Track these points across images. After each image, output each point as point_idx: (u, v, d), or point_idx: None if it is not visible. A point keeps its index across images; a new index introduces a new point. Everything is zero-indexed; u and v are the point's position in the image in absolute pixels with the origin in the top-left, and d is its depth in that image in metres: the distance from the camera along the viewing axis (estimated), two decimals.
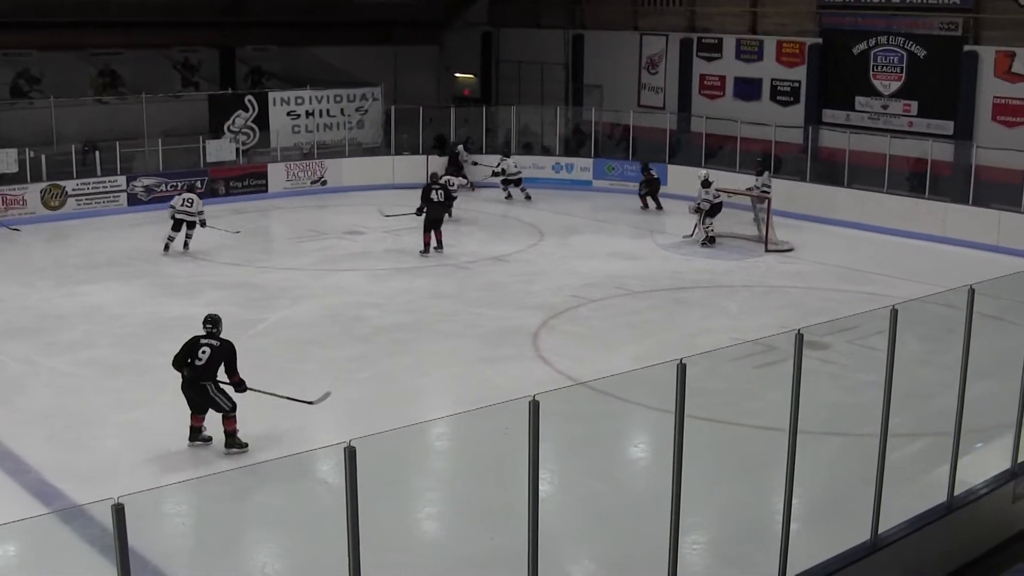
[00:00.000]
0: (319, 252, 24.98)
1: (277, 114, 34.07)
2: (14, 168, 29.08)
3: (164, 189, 30.37)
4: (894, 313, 9.58)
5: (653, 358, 14.14)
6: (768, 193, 26.31)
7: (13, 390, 15.90)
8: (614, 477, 13.31)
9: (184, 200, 24.98)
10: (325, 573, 9.32)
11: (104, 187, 29.69)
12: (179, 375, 13.62)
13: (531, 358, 17.35)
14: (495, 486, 12.15)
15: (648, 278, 22.47)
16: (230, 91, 35.03)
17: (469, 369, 16.91)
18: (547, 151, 35.60)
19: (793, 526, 9.26)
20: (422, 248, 24.53)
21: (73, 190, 29.36)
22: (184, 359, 13.59)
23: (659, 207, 30.12)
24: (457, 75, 42.22)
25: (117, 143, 30.46)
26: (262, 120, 33.81)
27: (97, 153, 30.04)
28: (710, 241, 25.35)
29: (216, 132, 32.93)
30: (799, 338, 8.98)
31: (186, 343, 13.74)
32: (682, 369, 8.18)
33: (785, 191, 28.14)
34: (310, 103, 34.71)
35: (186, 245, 24.94)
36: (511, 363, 17.09)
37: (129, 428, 14.31)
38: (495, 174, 31.93)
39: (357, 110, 35.52)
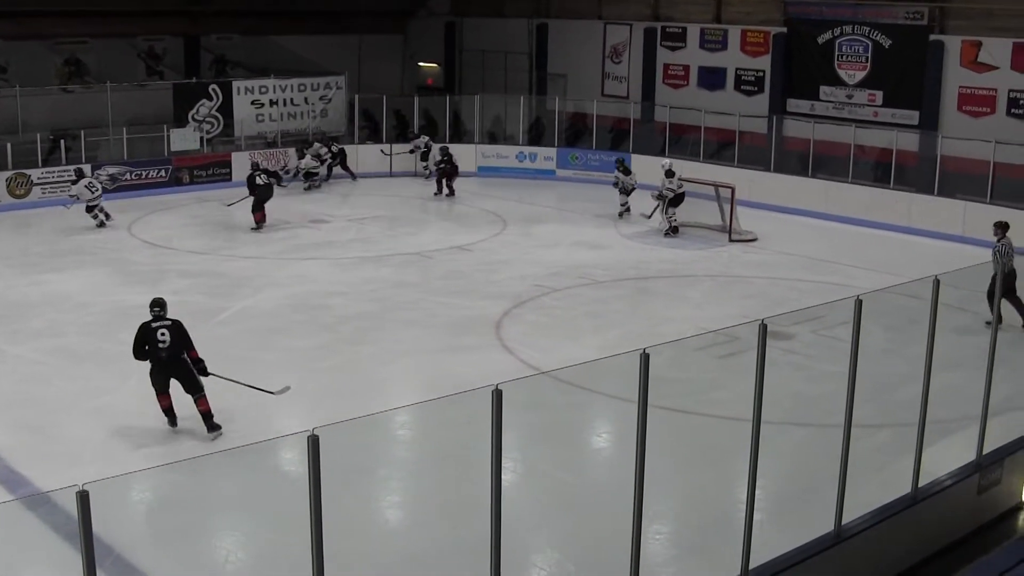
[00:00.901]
0: (282, 241, 24.96)
1: (241, 103, 33.97)
2: None
3: (129, 178, 30.30)
4: (858, 303, 9.64)
5: (616, 347, 14.29)
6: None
7: None
8: (577, 466, 13.38)
9: (90, 186, 26.20)
10: (288, 561, 9.34)
11: (69, 175, 29.49)
12: (145, 363, 13.65)
13: (494, 347, 17.39)
14: (458, 475, 12.20)
15: (612, 267, 22.55)
16: (194, 80, 34.91)
17: (432, 358, 16.93)
18: (511, 140, 35.61)
19: (756, 516, 9.31)
20: (254, 225, 26.27)
21: (39, 179, 29.24)
22: (142, 347, 13.65)
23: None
24: (421, 64, 42.18)
25: (82, 132, 30.38)
26: (226, 109, 33.71)
27: (63, 142, 29.89)
28: (673, 231, 25.43)
29: (180, 121, 32.81)
30: (763, 328, 9.03)
31: (139, 331, 13.77)
32: (645, 359, 8.21)
33: (749, 180, 28.25)
34: (274, 92, 34.63)
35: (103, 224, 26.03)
36: (474, 352, 17.12)
37: (95, 415, 14.28)
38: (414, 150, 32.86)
39: (321, 99, 35.46)
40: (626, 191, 27.52)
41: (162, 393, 13.72)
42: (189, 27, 37.33)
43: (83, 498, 6.19)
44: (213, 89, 33.73)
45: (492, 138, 35.89)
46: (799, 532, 10.14)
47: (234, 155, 32.40)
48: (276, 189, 27.30)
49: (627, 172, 27.69)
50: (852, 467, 10.04)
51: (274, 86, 34.62)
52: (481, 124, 35.69)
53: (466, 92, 38.01)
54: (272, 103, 34.52)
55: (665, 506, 11.57)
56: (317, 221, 27.08)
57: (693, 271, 22.60)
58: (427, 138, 33.55)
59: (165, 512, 11.81)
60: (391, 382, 16.21)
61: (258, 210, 26.41)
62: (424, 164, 32.69)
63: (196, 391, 13.70)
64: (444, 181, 30.50)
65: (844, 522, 10.12)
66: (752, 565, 9.32)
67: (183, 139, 32.06)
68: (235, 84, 34.26)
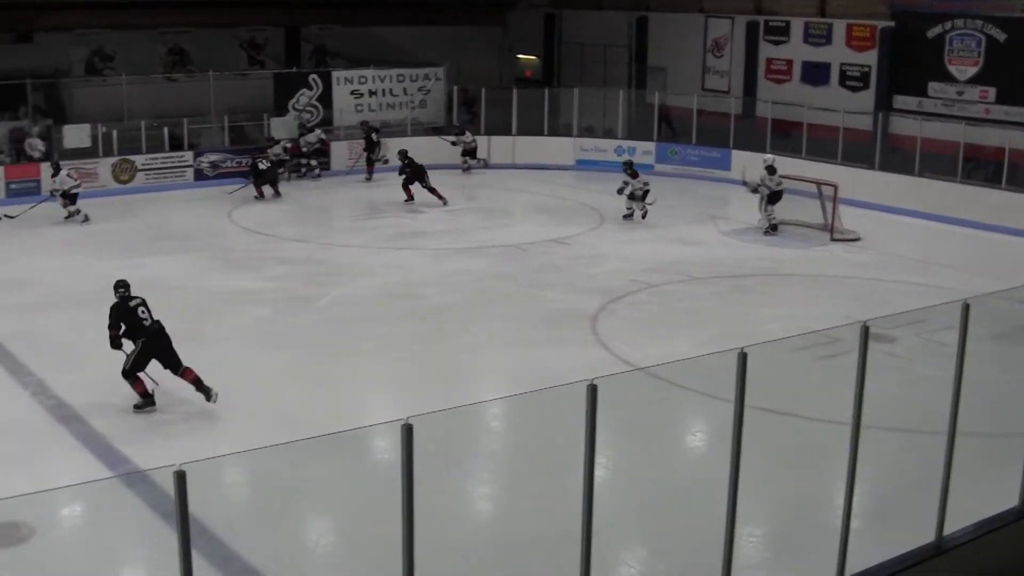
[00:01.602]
0: (380, 230, 25.05)
1: (340, 93, 34.16)
2: (87, 143, 29.55)
3: (229, 165, 30.66)
4: (965, 308, 9.34)
5: (713, 346, 14.12)
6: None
7: (83, 358, 16.08)
8: (670, 464, 13.23)
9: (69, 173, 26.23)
10: (378, 547, 9.33)
11: (172, 162, 29.99)
12: (139, 346, 14.10)
13: (589, 342, 17.28)
14: (549, 469, 12.11)
15: (709, 265, 22.29)
16: (295, 70, 35.24)
17: (526, 351, 16.86)
18: (609, 134, 35.41)
19: (853, 523, 9.08)
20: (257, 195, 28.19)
21: (142, 165, 29.75)
22: (118, 327, 14.05)
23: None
24: (519, 56, 42.13)
25: (185, 120, 30.83)
26: (326, 99, 33.92)
27: (166, 129, 30.34)
28: (772, 229, 25.10)
29: (281, 110, 33.12)
30: (865, 330, 8.81)
31: (116, 313, 14.12)
32: (743, 358, 8.06)
33: (852, 179, 27.73)
34: (373, 82, 34.76)
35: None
36: (569, 346, 17.01)
37: (191, 397, 14.42)
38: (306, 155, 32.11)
39: (420, 90, 35.54)
40: (635, 197, 26.25)
41: (142, 373, 14.06)
42: (290, 17, 37.64)
43: (180, 478, 6.23)
44: (313, 79, 33.99)
45: (591, 132, 35.71)
46: (897, 541, 9.85)
47: (333, 144, 32.58)
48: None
49: (635, 175, 26.60)
50: (955, 476, 9.71)
51: (373, 76, 34.75)
52: (579, 118, 35.50)
53: (564, 85, 37.84)
54: (371, 93, 34.66)
55: (759, 508, 11.37)
56: (413, 211, 27.14)
57: (792, 270, 22.27)
58: (320, 132, 32.81)
59: (260, 494, 11.91)
60: (484, 373, 16.19)
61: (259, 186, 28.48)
62: (306, 162, 32.05)
63: (179, 365, 14.06)
64: (409, 187, 28.16)
65: (945, 533, 9.82)
66: (847, 573, 9.13)
67: (283, 128, 32.34)
68: (335, 74, 34.46)
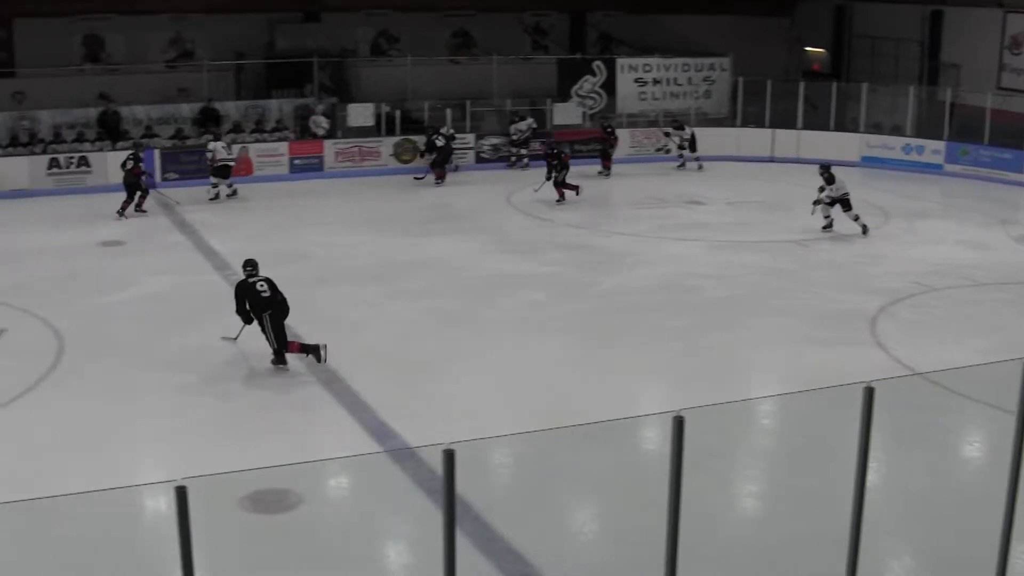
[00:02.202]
0: (659, 220, 24.96)
1: (624, 81, 34.12)
2: (370, 122, 30.52)
3: (510, 149, 31.11)
4: None
5: (996, 355, 13.49)
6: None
7: (358, 331, 16.64)
8: (944, 474, 12.76)
9: (223, 146, 26.74)
10: (641, 538, 9.31)
11: (453, 144, 30.63)
12: (261, 318, 14.87)
13: (867, 343, 16.77)
14: (817, 470, 11.87)
15: (997, 269, 21.28)
16: (579, 56, 35.39)
17: (801, 349, 16.49)
18: (897, 131, 34.30)
19: None
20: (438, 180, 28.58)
21: (423, 145, 30.43)
22: (244, 304, 14.90)
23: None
24: (807, 49, 41.22)
25: (467, 102, 31.43)
26: (609, 86, 33.95)
27: (448, 111, 31.00)
28: None
29: (563, 96, 33.37)
30: None
31: (241, 292, 14.99)
32: None
33: None
34: (658, 71, 34.59)
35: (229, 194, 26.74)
36: (845, 346, 16.56)
37: (464, 376, 14.73)
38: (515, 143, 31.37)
39: (704, 80, 35.18)
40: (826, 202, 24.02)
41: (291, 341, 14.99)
42: (575, 3, 37.85)
43: (449, 457, 6.35)
44: (597, 65, 34.07)
45: (878, 128, 34.68)
46: None
47: (666, 132, 32.48)
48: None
49: (831, 180, 23.79)
50: None
51: (658, 65, 34.57)
52: (867, 113, 34.52)
53: (853, 79, 36.84)
54: (655, 82, 34.50)
55: None
56: (693, 202, 26.98)
57: None
58: (531, 120, 32.01)
59: (526, 478, 12.05)
60: (757, 370, 15.94)
61: (438, 166, 28.69)
62: (515, 151, 31.43)
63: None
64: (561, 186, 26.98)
65: None
66: None
67: (565, 114, 32.60)
68: (619, 62, 34.43)
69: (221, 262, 20.70)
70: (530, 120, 31.56)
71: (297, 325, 16.60)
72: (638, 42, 37.35)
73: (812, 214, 23.38)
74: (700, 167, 31.37)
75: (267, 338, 14.89)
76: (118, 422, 13.35)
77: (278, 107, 31.50)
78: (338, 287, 19.08)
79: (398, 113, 30.72)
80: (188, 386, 14.44)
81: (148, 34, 33.90)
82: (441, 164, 28.98)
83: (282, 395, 14.13)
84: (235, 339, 15.29)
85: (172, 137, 29.72)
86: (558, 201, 26.24)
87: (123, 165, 25.00)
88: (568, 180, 26.30)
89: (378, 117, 30.60)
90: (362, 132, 30.34)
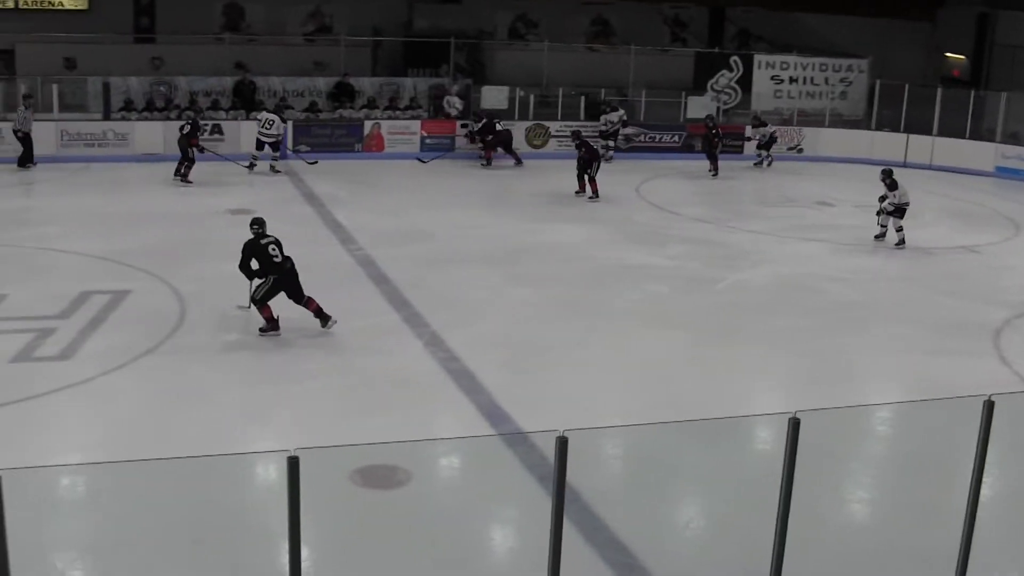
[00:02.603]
0: (786, 219, 24.60)
1: (761, 77, 33.76)
2: (504, 105, 30.60)
3: (643, 140, 30.96)
4: None
5: None
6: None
7: (477, 314, 16.64)
8: None
9: (265, 121, 26.43)
10: (748, 536, 9.17)
11: (585, 132, 30.52)
12: (275, 277, 14.91)
13: (989, 355, 16.27)
14: (931, 481, 11.57)
15: None
16: (717, 50, 35.11)
17: (920, 358, 16.03)
18: None
19: None
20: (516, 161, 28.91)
21: (556, 131, 30.44)
22: (249, 261, 15.01)
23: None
24: (948, 55, 40.34)
25: (602, 91, 31.34)
26: (745, 82, 33.63)
27: (583, 98, 30.92)
28: None
29: (699, 89, 33.11)
30: None
31: (249, 250, 14.99)
32: None
33: None
34: (795, 69, 34.12)
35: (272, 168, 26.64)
36: (966, 358, 16.06)
37: (580, 364, 14.65)
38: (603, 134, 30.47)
39: (841, 81, 34.59)
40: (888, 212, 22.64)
41: (269, 304, 14.90)
42: None
43: (562, 444, 6.30)
44: (734, 60, 33.77)
45: (1015, 139, 33.76)
46: None
47: (747, 129, 32.21)
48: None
49: (894, 186, 22.55)
50: None
51: (795, 63, 34.12)
52: (1004, 123, 33.63)
53: (992, 88, 35.94)
54: (792, 80, 34.05)
55: None
56: (822, 203, 26.54)
57: None
58: (622, 112, 31.07)
59: (635, 470, 11.94)
60: (874, 376, 15.55)
61: (490, 147, 28.77)
62: (606, 144, 30.41)
63: (302, 296, 15.05)
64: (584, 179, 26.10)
65: None
66: None
67: (700, 107, 32.32)
68: (756, 58, 34.10)
69: (346, 235, 20.89)
70: (621, 112, 31.07)
71: (417, 304, 16.74)
72: (776, 39, 36.96)
73: (880, 224, 22.56)
74: (769, 164, 30.80)
75: (251, 293, 15.10)
76: (234, 388, 13.55)
77: (412, 85, 31.70)
78: (460, 268, 19.11)
79: (532, 97, 30.75)
80: (305, 356, 14.59)
81: (288, 7, 34.45)
82: (494, 147, 29.03)
83: (398, 371, 14.16)
84: (248, 308, 15.33)
85: (306, 110, 30.06)
86: (591, 198, 25.54)
87: (180, 129, 25.77)
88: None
89: (512, 100, 30.66)
90: (495, 115, 30.41)
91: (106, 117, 28.83)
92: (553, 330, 16.11)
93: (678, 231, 22.84)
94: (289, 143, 28.13)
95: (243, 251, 15.09)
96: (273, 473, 10.22)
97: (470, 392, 13.51)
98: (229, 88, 29.94)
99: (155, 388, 13.40)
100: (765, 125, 31.26)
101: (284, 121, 27.32)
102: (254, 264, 15.08)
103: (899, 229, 22.13)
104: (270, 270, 14.94)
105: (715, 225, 23.53)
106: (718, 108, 32.63)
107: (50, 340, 14.77)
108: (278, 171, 26.76)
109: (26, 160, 26.42)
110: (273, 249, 15.01)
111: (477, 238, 21.31)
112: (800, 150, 31.67)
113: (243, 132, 27.97)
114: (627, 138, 30.91)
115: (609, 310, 17.13)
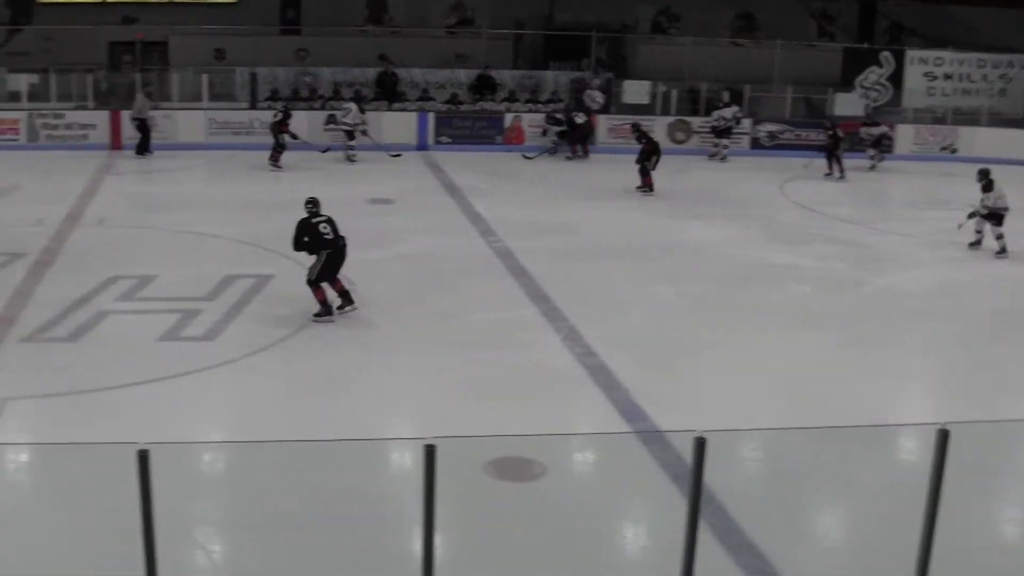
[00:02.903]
0: (936, 222, 23.83)
1: (913, 74, 32.86)
2: (646, 100, 30.44)
3: (787, 137, 30.43)
4: None
5: None
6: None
7: (616, 310, 16.45)
8: None
9: (344, 111, 26.94)
10: (888, 551, 8.86)
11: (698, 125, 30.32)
12: (325, 254, 15.09)
13: None
14: None
15: None
16: (866, 45, 34.36)
17: None
18: None
19: None
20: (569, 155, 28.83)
21: (698, 127, 30.12)
22: (302, 240, 15.19)
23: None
24: None
25: (746, 86, 30.91)
26: (896, 78, 32.80)
27: (726, 93, 30.53)
28: None
29: (846, 85, 32.42)
30: None
31: (301, 228, 15.22)
32: None
33: None
34: (950, 65, 33.15)
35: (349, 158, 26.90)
36: None
37: (718, 364, 14.38)
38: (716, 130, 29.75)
39: (1000, 77, 33.51)
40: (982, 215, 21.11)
41: (326, 285, 15.25)
42: None
43: (700, 444, 6.15)
44: (885, 56, 32.97)
45: None
46: None
47: (899, 127, 31.35)
48: None
49: (990, 186, 21.15)
50: None
51: (951, 59, 33.11)
52: None
53: None
54: (946, 77, 33.09)
55: None
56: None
57: None
58: (737, 108, 30.32)
59: (773, 473, 11.67)
60: None
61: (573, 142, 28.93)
62: (718, 142, 29.82)
63: (336, 276, 15.37)
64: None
65: None
66: None
67: (847, 104, 31.65)
68: (908, 53, 33.19)
69: (485, 227, 20.91)
70: (736, 108, 30.47)
71: (556, 297, 16.63)
72: (930, 33, 35.94)
73: (959, 228, 20.96)
74: (873, 167, 29.60)
75: (310, 268, 15.24)
76: (370, 375, 13.62)
77: (553, 79, 31.67)
78: (599, 263, 18.97)
79: (674, 92, 30.46)
80: (442, 346, 14.59)
81: (430, 0, 34.69)
82: (578, 141, 28.89)
83: (535, 364, 14.07)
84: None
85: (447, 102, 30.21)
86: (644, 190, 25.09)
87: (273, 116, 26.43)
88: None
89: (653, 95, 30.40)
90: (636, 109, 30.20)
91: (252, 106, 29.42)
92: (693, 328, 15.87)
93: (823, 231, 22.35)
94: (429, 135, 28.30)
95: (296, 229, 15.31)
96: (408, 461, 10.26)
97: (607, 388, 13.33)
98: (372, 79, 30.26)
99: (295, 371, 13.60)
100: (877, 125, 30.36)
101: (362, 111, 27.63)
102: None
103: (999, 237, 20.78)
104: (322, 246, 15.14)
105: (862, 226, 22.96)
106: (867, 106, 31.89)
107: (196, 321, 15.16)
108: (353, 160, 27.14)
109: (143, 148, 27.05)
110: (324, 227, 15.23)
111: (619, 233, 21.19)
112: (954, 150, 30.80)
113: (384, 123, 28.22)
114: (771, 135, 30.42)
115: (750, 310, 16.81)
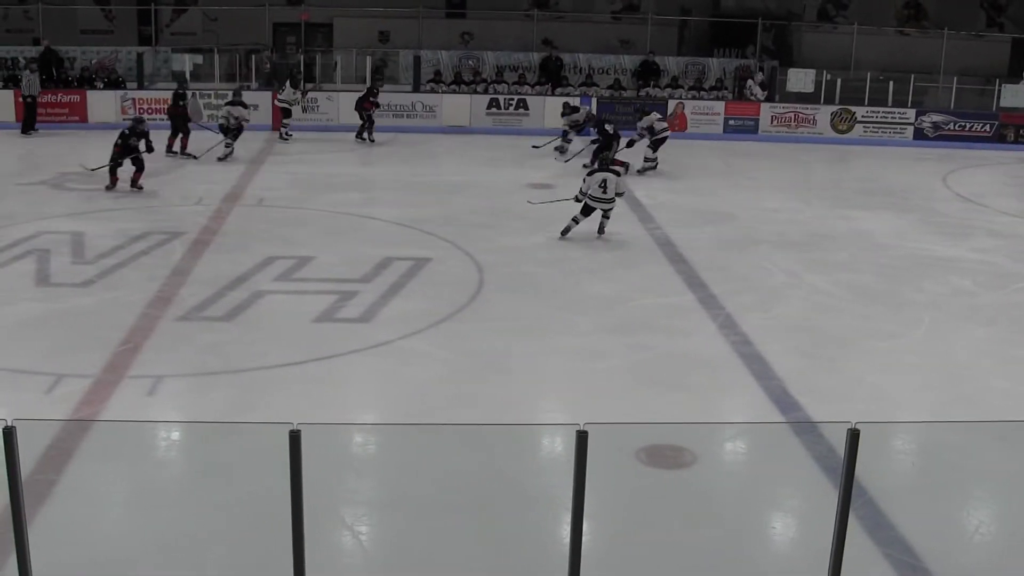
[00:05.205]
0: None
1: None
2: (810, 88, 30.10)
3: (952, 128, 29.83)
4: None
5: None
6: None
7: (773, 299, 16.45)
8: None
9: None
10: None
11: (892, 118, 29.74)
12: None
13: None
14: None
15: None
16: None
17: None
18: None
19: None
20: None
21: (862, 117, 29.75)
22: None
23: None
24: None
25: (912, 76, 30.37)
26: None
27: (891, 83, 30.07)
28: None
29: (1014, 77, 31.62)
30: None
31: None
32: None
33: None
34: None
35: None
36: None
37: (873, 355, 14.27)
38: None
39: None
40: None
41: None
42: None
43: (853, 436, 6.20)
44: None
45: None
46: None
47: None
48: None
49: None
50: None
51: None
52: None
53: None
54: None
55: None
56: None
57: None
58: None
59: (926, 468, 11.56)
60: None
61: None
62: None
63: None
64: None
65: None
66: None
67: (1015, 96, 30.87)
68: None
69: (645, 215, 20.99)
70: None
71: (713, 285, 16.65)
72: None
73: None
74: None
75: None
76: (527, 360, 13.71)
77: (718, 66, 31.51)
78: (758, 251, 18.95)
79: (839, 81, 30.10)
80: (598, 333, 14.71)
81: None
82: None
83: (690, 353, 14.14)
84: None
85: (610, 87, 30.28)
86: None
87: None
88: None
89: (818, 84, 30.09)
90: (800, 98, 29.94)
91: (415, 89, 29.86)
92: (849, 319, 15.76)
93: (985, 224, 21.94)
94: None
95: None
96: (559, 445, 10.40)
97: (761, 377, 13.34)
98: (536, 64, 30.46)
99: (449, 354, 13.73)
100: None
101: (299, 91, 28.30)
102: None
103: None
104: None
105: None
106: None
107: (352, 302, 15.37)
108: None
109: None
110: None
111: (778, 222, 21.12)
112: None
113: (547, 108, 28.42)
114: (935, 126, 29.81)
115: (909, 302, 16.62)
